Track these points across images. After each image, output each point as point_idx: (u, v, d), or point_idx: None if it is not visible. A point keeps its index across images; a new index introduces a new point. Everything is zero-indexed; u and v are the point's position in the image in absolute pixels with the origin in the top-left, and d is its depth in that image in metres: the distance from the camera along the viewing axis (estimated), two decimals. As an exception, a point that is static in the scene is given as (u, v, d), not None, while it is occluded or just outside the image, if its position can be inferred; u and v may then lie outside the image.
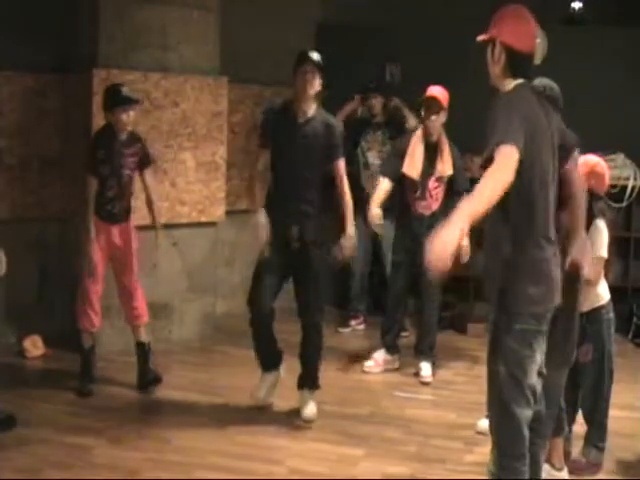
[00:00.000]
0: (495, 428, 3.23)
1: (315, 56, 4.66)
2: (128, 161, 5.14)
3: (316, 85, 4.64)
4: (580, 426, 4.34)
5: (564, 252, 3.44)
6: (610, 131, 6.52)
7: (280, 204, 4.71)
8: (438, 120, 5.62)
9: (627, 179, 6.95)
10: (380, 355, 5.88)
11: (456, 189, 5.69)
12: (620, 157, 7.00)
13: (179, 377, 5.50)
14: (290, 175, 4.67)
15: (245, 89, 7.01)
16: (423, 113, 5.63)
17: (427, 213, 5.70)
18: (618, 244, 6.73)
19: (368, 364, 5.86)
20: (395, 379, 5.72)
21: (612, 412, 4.34)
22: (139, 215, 5.53)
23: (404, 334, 6.34)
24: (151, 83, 5.96)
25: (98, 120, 5.47)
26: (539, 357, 3.19)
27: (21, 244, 5.82)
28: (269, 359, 4.93)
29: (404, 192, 5.73)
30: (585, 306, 3.96)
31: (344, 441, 4.58)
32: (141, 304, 5.29)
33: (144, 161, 5.25)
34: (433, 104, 5.58)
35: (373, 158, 6.85)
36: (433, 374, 5.71)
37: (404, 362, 5.90)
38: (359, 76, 6.94)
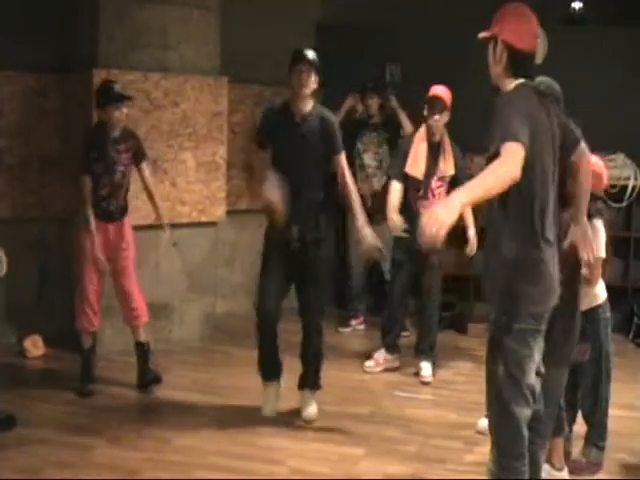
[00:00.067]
0: (494, 428, 3.23)
1: (310, 54, 4.62)
2: (122, 157, 5.12)
3: (312, 84, 4.62)
4: (580, 426, 4.34)
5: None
6: (610, 131, 6.51)
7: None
8: (441, 120, 5.61)
9: (627, 179, 6.95)
10: (380, 355, 5.88)
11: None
12: (620, 157, 7.00)
13: (179, 377, 5.50)
14: (290, 175, 4.66)
15: (245, 89, 7.01)
16: (426, 112, 5.63)
17: (429, 212, 5.69)
18: (618, 244, 6.73)
19: (368, 364, 5.86)
20: (395, 379, 5.72)
21: (612, 411, 4.34)
22: (139, 215, 5.53)
23: (405, 334, 6.35)
24: (151, 83, 5.97)
25: (98, 120, 5.48)
26: (537, 356, 3.19)
27: (21, 244, 5.82)
28: (271, 366, 4.87)
29: (406, 191, 5.73)
30: (583, 305, 3.96)
31: (344, 441, 4.58)
32: (140, 304, 5.26)
33: (138, 155, 5.23)
34: (436, 103, 5.57)
35: (369, 160, 6.86)
36: (433, 374, 5.71)
37: (404, 362, 5.89)
38: (359, 76, 6.94)
